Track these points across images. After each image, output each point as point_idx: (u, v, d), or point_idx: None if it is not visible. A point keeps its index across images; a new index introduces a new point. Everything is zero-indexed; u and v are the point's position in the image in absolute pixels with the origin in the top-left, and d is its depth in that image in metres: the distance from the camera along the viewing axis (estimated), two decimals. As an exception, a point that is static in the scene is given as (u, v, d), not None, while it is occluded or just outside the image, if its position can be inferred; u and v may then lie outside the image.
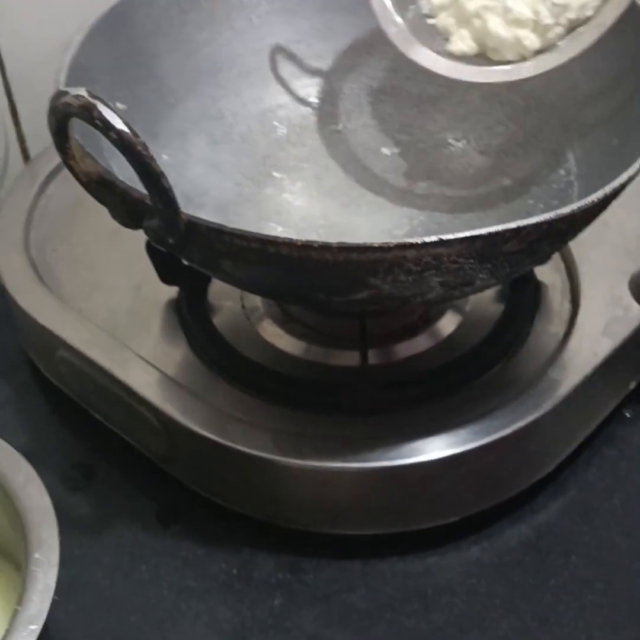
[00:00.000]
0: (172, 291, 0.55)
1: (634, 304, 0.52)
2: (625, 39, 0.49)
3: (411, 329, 0.52)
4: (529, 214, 0.51)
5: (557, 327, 0.52)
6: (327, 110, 0.58)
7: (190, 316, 0.53)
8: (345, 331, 0.51)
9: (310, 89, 0.58)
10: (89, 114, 0.36)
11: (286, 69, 0.58)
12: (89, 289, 0.56)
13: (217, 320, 0.53)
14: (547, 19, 0.49)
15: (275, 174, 0.55)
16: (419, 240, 0.38)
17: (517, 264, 0.42)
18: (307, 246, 0.38)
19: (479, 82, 0.51)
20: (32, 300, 0.54)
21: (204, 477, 0.50)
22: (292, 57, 0.58)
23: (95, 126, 0.37)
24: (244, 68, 0.57)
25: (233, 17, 0.56)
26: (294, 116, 0.58)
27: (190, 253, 0.42)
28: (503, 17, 0.49)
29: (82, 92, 0.36)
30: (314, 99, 0.58)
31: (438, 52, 0.51)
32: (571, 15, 0.49)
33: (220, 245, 0.39)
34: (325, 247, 0.38)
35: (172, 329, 0.54)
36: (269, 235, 0.38)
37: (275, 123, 0.57)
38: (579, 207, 0.39)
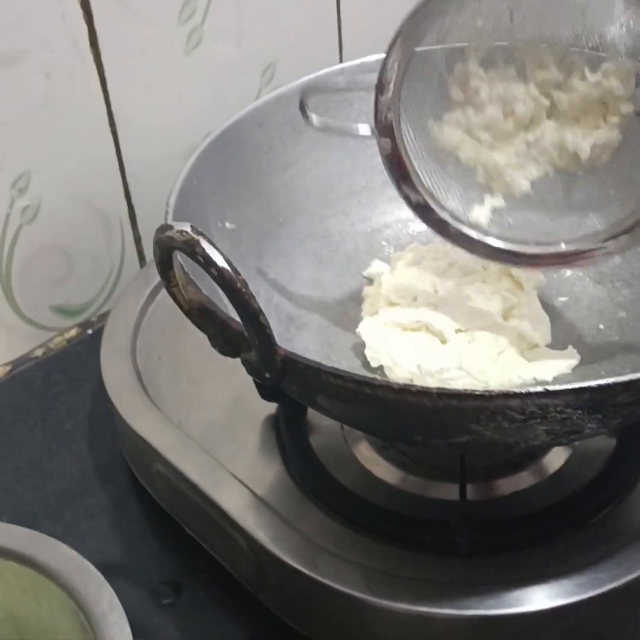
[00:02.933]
0: (270, 406, 0.54)
1: None
2: None
3: (515, 464, 0.49)
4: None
5: (672, 469, 0.49)
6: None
7: (288, 435, 0.52)
8: (444, 462, 0.49)
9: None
10: (191, 249, 0.36)
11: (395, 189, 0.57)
12: (189, 401, 0.55)
13: (315, 440, 0.52)
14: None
15: (379, 295, 0.55)
16: (523, 390, 0.36)
17: (630, 415, 0.40)
18: (405, 390, 0.37)
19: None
20: (133, 411, 0.55)
21: (292, 608, 0.48)
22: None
23: (197, 262, 0.37)
24: (353, 187, 0.57)
25: (346, 136, 0.56)
26: (402, 236, 0.57)
27: (287, 386, 0.41)
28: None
29: (186, 227, 0.37)
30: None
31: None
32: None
33: (316, 382, 0.39)
34: (423, 392, 0.36)
35: (268, 447, 0.53)
36: (365, 377, 0.37)
37: (383, 243, 0.57)
38: (698, 361, 0.37)
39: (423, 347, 0.49)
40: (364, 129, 0.50)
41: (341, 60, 0.74)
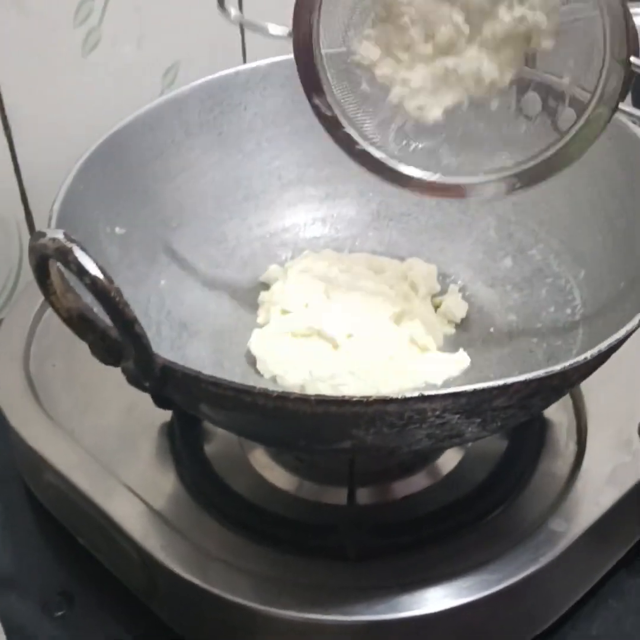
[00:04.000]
0: (166, 414, 0.53)
1: (643, 449, 0.50)
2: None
3: (406, 467, 0.50)
4: (532, 353, 0.49)
5: (561, 470, 0.50)
6: (333, 235, 0.57)
7: (182, 443, 0.52)
8: (337, 467, 0.49)
9: (316, 213, 0.58)
10: (64, 257, 0.36)
11: (293, 192, 0.57)
12: (82, 409, 0.55)
13: (209, 448, 0.52)
14: None
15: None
16: (399, 396, 0.36)
17: (509, 418, 0.40)
18: (283, 397, 0.36)
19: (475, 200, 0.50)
20: (23, 419, 0.53)
21: (182, 617, 0.48)
22: (299, 181, 0.57)
23: (70, 270, 0.36)
24: (250, 191, 0.56)
25: (242, 140, 0.56)
26: (299, 240, 0.57)
27: (170, 394, 0.41)
28: None
29: (59, 234, 0.36)
30: (319, 223, 0.57)
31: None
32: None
33: (197, 391, 0.38)
34: (302, 399, 0.36)
35: (162, 454, 0.52)
36: (244, 385, 0.37)
37: (280, 247, 0.56)
38: (570, 365, 0.37)
39: (315, 353, 0.49)
40: (277, 30, 0.50)
41: (245, 63, 0.74)
